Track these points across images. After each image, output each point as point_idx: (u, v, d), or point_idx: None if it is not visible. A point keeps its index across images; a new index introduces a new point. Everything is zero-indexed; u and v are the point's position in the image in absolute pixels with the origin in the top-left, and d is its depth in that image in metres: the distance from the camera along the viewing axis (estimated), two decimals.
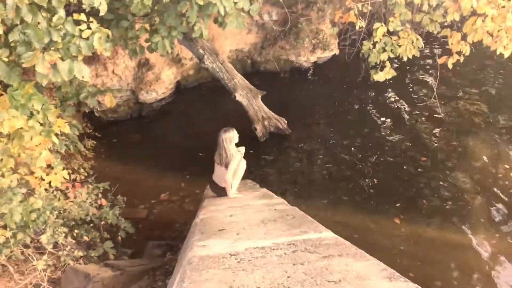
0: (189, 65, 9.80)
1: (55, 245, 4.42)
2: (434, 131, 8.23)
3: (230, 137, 5.12)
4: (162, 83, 9.27)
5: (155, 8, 4.87)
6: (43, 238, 4.23)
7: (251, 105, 7.87)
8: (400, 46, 6.30)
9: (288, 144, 8.12)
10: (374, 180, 7.05)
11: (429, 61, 10.65)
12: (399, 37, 6.34)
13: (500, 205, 6.41)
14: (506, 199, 6.50)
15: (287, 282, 2.03)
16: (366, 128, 8.46)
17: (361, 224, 6.23)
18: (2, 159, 3.66)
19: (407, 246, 5.81)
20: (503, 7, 5.39)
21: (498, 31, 5.54)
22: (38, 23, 3.19)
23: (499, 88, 9.69)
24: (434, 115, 8.66)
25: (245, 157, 5.31)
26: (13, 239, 3.99)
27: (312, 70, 10.59)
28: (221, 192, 5.30)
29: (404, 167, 7.35)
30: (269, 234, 2.98)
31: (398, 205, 6.51)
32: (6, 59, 3.33)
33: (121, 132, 8.77)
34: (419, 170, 7.24)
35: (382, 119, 8.73)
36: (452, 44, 6.06)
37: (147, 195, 7.06)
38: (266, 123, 8.09)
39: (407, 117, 8.71)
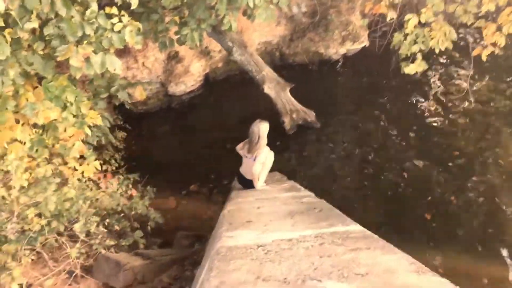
0: (218, 57, 9.82)
1: (88, 233, 4.53)
2: (466, 125, 8.03)
3: (266, 128, 5.06)
4: (191, 75, 9.34)
5: (185, 1, 4.90)
6: (76, 227, 4.34)
7: (279, 98, 7.85)
8: (432, 38, 6.14)
9: (316, 137, 8.07)
10: (404, 174, 6.95)
11: (463, 51, 10.34)
12: (431, 28, 6.18)
13: None
14: None
15: (314, 274, 2.03)
16: (396, 121, 8.31)
17: (387, 220, 6.19)
18: (37, 150, 3.78)
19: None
20: None
21: None
22: (72, 17, 3.26)
23: None
24: (467, 108, 8.43)
25: (272, 149, 5.29)
26: (48, 227, 4.11)
27: (341, 62, 10.43)
28: (248, 184, 5.32)
29: (437, 163, 7.23)
30: (296, 226, 2.98)
31: (429, 198, 6.43)
32: (42, 52, 3.42)
33: (151, 124, 8.91)
34: (449, 164, 7.11)
35: (414, 112, 8.56)
36: (486, 35, 5.88)
37: (177, 186, 7.17)
38: (294, 116, 8.06)
39: (440, 110, 8.50)
